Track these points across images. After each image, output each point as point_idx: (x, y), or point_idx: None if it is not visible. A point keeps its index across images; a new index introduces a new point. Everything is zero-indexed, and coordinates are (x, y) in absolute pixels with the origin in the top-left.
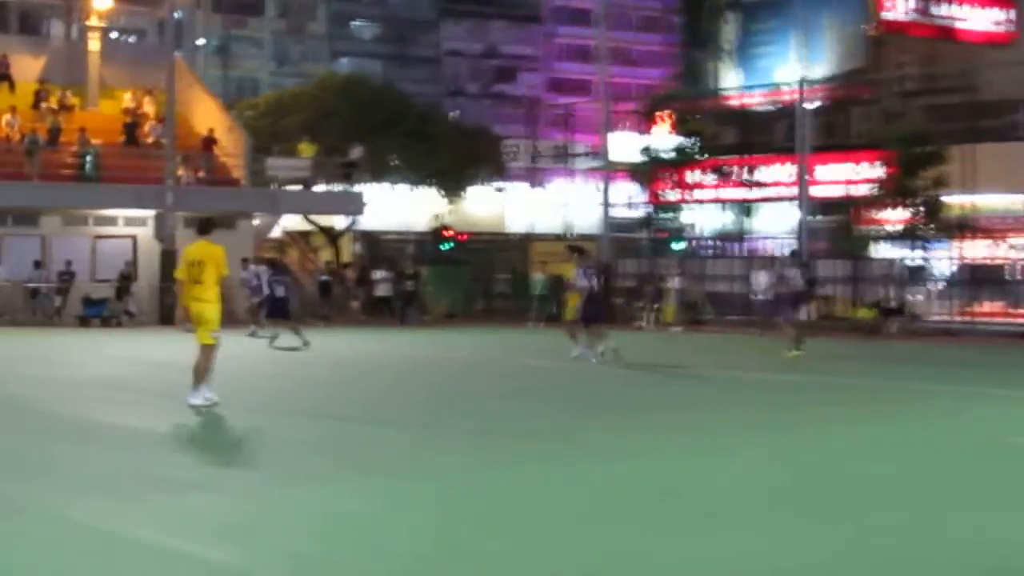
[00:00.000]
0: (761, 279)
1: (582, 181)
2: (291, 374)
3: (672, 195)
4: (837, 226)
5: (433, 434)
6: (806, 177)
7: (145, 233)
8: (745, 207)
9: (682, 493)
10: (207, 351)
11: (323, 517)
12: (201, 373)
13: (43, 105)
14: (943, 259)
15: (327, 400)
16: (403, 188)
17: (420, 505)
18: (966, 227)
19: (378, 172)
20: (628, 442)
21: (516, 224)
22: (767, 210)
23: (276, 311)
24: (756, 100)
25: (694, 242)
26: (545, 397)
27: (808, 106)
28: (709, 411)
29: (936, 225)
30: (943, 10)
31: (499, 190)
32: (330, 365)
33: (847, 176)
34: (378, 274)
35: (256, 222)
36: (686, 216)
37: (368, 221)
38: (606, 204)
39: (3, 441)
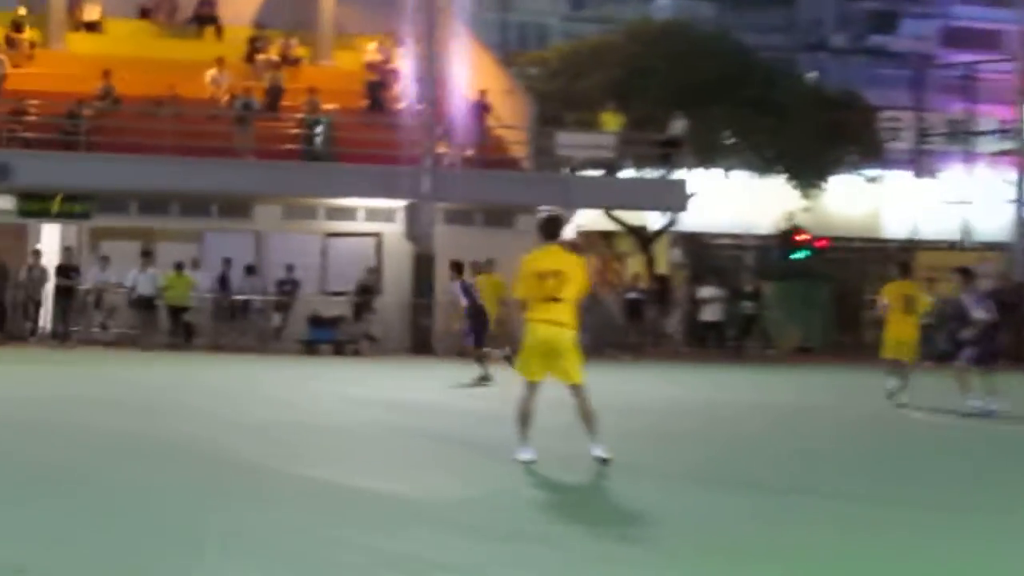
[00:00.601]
0: None
1: (987, 169)
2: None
3: None
4: None
5: (791, 502)
6: None
7: (393, 231)
8: None
9: None
10: (579, 393)
11: None
12: (590, 419)
13: (260, 58)
14: None
15: (648, 456)
16: (741, 176)
17: None
18: None
19: (707, 154)
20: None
21: (895, 226)
22: None
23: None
24: None
25: None
26: (940, 460)
27: None
28: None
29: None
30: None
31: (872, 180)
32: (646, 410)
33: None
34: (705, 291)
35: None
36: None
37: (692, 220)
38: (1020, 201)
39: (224, 516)
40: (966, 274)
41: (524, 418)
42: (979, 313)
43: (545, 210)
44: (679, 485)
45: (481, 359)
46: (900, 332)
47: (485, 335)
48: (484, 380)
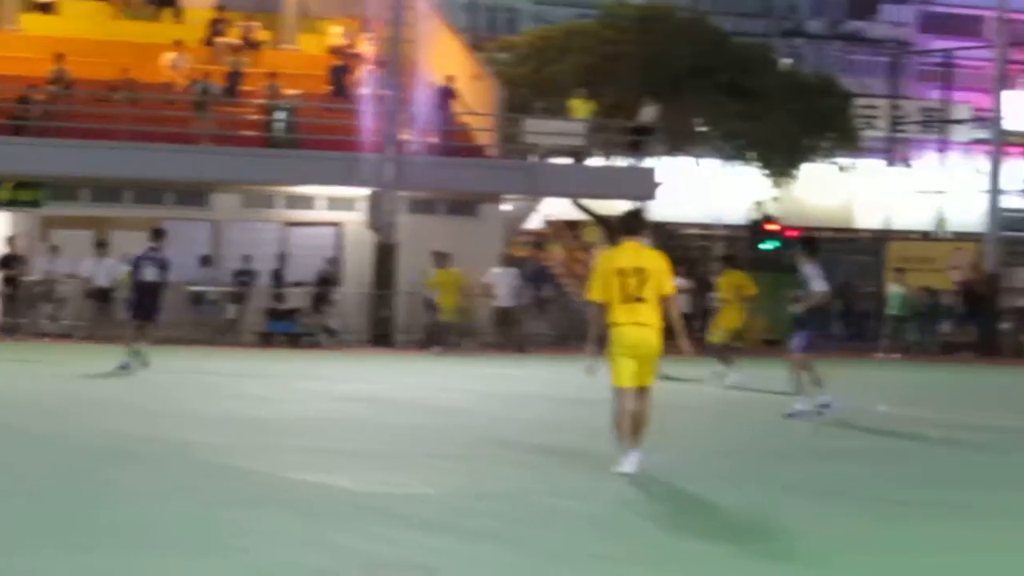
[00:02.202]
0: None
1: (962, 158)
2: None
3: None
4: None
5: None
6: None
7: (355, 220)
8: None
9: None
10: (646, 397)
11: None
12: (641, 427)
13: (220, 41)
14: None
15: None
16: (712, 164)
17: None
18: None
19: (678, 141)
20: (997, 535)
21: (868, 217)
22: None
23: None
24: None
25: None
26: (909, 460)
27: None
28: None
29: None
30: None
31: (844, 169)
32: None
33: None
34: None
35: (508, 207)
36: None
37: (662, 209)
38: (994, 191)
39: (168, 505)
40: (808, 244)
41: (622, 429)
42: (819, 285)
43: (512, 198)
44: (646, 480)
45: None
46: (730, 320)
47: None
48: None
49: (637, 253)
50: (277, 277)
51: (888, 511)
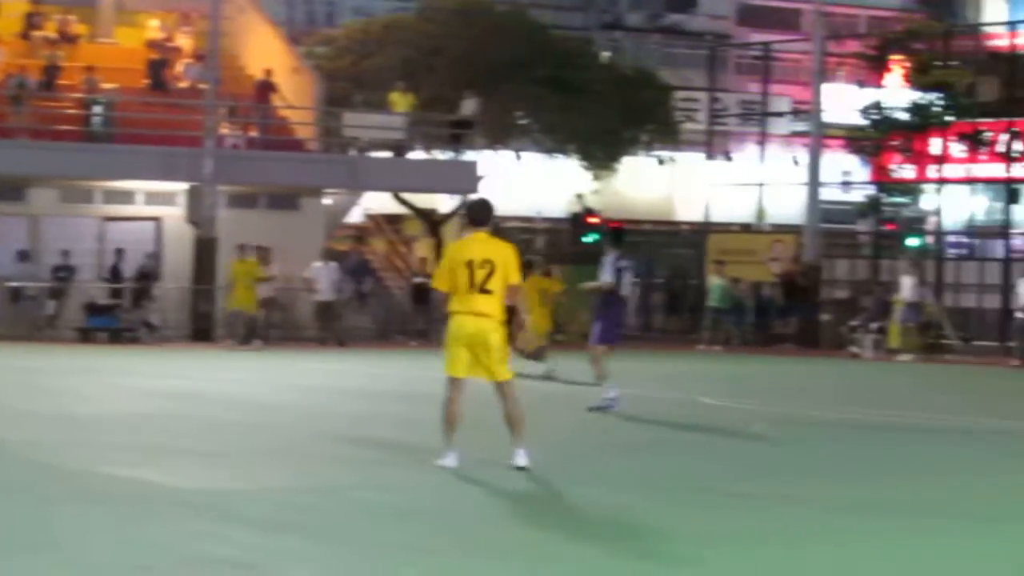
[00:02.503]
0: None
1: (781, 151)
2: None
3: (907, 172)
4: None
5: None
6: None
7: (174, 214)
8: (1010, 190)
9: None
10: (506, 392)
11: None
12: (518, 422)
13: (36, 34)
14: None
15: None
16: (533, 157)
17: None
18: None
19: (499, 134)
20: (852, 523)
21: (687, 209)
22: None
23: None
24: None
25: (934, 238)
26: (750, 453)
27: None
28: (967, 477)
29: None
30: None
31: (662, 162)
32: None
33: None
34: None
35: (329, 201)
36: (925, 201)
37: None
38: (814, 183)
39: None
40: (613, 233)
41: (451, 421)
42: (606, 275)
43: (332, 192)
44: (465, 474)
45: None
46: (538, 326)
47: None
48: None
49: (486, 244)
50: (115, 273)
51: (719, 502)
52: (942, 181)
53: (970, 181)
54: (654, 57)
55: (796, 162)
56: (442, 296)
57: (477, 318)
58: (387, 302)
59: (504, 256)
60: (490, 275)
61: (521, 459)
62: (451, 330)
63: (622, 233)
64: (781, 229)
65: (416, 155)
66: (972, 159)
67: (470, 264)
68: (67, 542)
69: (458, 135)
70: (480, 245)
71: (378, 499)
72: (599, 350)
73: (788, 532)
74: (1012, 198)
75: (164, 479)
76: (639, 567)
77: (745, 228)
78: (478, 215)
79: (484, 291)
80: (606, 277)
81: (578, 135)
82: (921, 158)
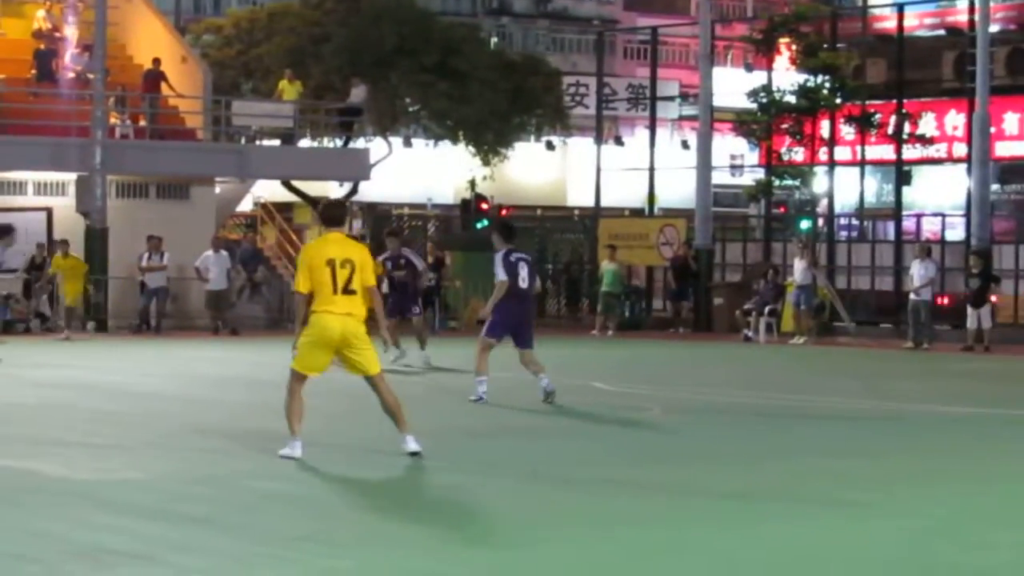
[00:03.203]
0: (921, 272)
1: (670, 135)
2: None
3: (796, 155)
4: None
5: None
6: (987, 130)
7: (64, 204)
8: (900, 171)
9: None
10: (378, 385)
11: None
12: (396, 410)
13: None
14: None
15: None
16: (422, 144)
17: None
18: None
19: (388, 121)
20: (756, 507)
21: (579, 194)
22: (929, 176)
23: None
24: (918, 23)
25: (825, 220)
26: (635, 440)
27: (991, 30)
28: (861, 460)
29: None
30: None
31: (551, 147)
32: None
33: None
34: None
35: (218, 190)
36: (815, 184)
37: (374, 189)
38: (704, 167)
39: None
40: (504, 227)
41: (296, 412)
42: (499, 274)
43: (222, 180)
44: (353, 462)
45: None
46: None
47: None
48: None
49: (343, 245)
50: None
51: (605, 489)
52: (832, 163)
53: (860, 163)
54: (542, 43)
55: (686, 146)
56: (302, 298)
57: (344, 318)
58: (279, 290)
59: (361, 257)
60: (351, 275)
61: (412, 444)
62: (314, 331)
63: (511, 226)
64: (672, 213)
65: (305, 143)
66: (862, 141)
67: (331, 264)
68: None
69: (347, 123)
70: (338, 246)
71: (268, 487)
72: (484, 343)
73: (637, 516)
74: (903, 180)
75: (53, 470)
76: (461, 551)
77: (636, 213)
78: (333, 215)
79: (348, 291)
80: (499, 275)
81: (467, 121)
82: (811, 141)
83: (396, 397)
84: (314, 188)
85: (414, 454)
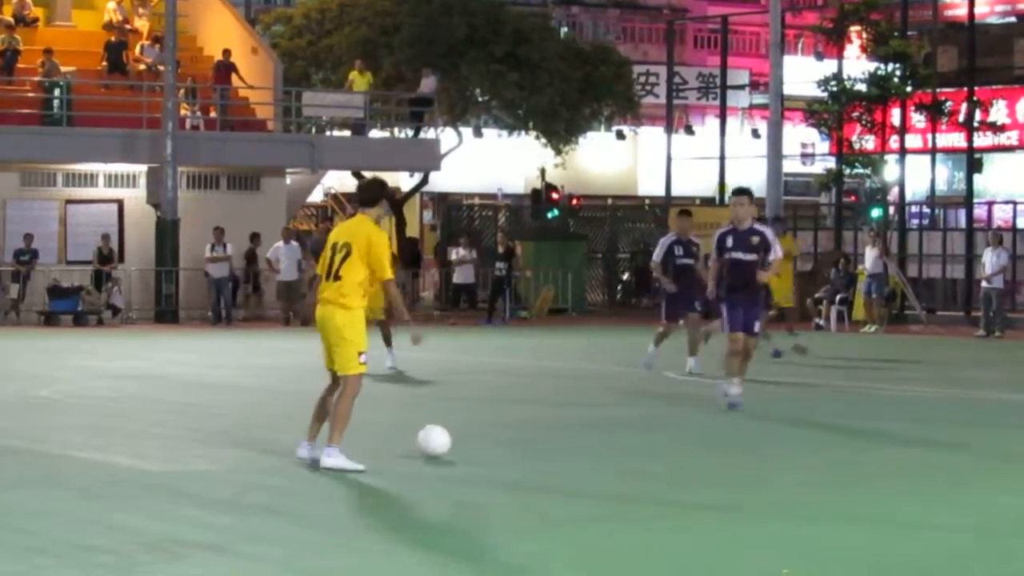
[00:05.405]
0: (993, 260)
1: (740, 124)
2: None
3: (867, 143)
4: None
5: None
6: None
7: (135, 196)
8: (971, 159)
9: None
10: (347, 385)
11: None
12: (339, 421)
13: None
14: None
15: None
16: (493, 134)
17: None
18: None
19: (459, 112)
20: (823, 500)
21: (649, 183)
22: (1001, 163)
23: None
24: (988, 9)
25: (896, 209)
26: (711, 431)
27: None
28: (945, 454)
29: None
30: None
31: (621, 136)
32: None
33: None
34: (457, 252)
35: (289, 181)
36: (886, 172)
37: (444, 180)
38: (775, 156)
39: None
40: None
41: (314, 412)
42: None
43: (293, 171)
44: (408, 459)
45: None
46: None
47: None
48: None
49: (351, 227)
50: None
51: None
52: (903, 152)
53: (931, 151)
54: (612, 32)
55: (756, 134)
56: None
57: (323, 305)
58: None
59: (367, 241)
60: (344, 259)
61: (326, 457)
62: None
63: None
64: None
65: (376, 134)
66: (933, 129)
67: (333, 248)
68: (30, 527)
69: (418, 113)
70: (346, 228)
71: (340, 478)
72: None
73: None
74: (974, 168)
75: (126, 462)
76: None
77: (706, 202)
78: (365, 195)
79: (336, 277)
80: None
81: (537, 111)
82: (882, 129)
83: (347, 410)
84: (385, 179)
85: (314, 463)
